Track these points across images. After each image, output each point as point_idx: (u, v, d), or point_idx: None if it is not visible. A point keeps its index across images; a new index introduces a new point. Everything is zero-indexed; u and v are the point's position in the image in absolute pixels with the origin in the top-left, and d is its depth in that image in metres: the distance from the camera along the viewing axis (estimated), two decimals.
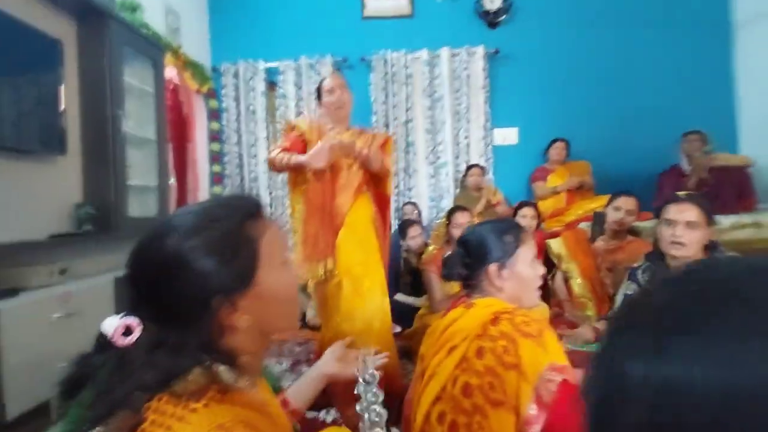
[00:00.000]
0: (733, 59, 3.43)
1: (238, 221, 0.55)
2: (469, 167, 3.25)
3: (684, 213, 1.36)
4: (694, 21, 3.44)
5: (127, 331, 0.50)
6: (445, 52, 3.48)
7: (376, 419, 0.74)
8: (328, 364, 0.83)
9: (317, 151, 1.58)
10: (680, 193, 1.49)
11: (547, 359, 0.72)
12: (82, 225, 1.92)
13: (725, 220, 2.30)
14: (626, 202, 2.02)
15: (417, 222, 2.87)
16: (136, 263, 0.54)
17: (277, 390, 1.22)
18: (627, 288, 1.62)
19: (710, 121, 3.11)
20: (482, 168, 3.22)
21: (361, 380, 0.77)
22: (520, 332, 0.76)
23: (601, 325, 1.64)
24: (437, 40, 3.51)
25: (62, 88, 1.91)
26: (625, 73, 3.49)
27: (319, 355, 1.15)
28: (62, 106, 1.90)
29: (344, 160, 1.68)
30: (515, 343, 0.75)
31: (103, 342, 0.51)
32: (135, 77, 2.35)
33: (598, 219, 2.04)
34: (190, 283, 0.51)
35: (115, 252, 2.06)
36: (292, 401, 0.79)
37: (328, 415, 1.62)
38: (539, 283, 0.91)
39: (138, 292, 0.53)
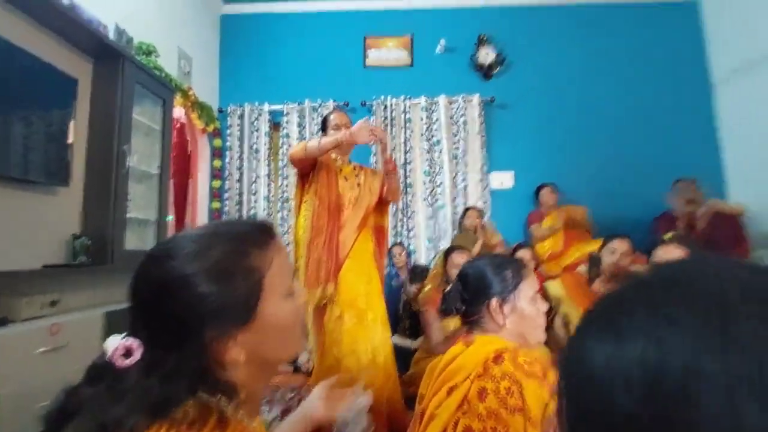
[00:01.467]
0: (716, 112, 3.61)
1: (240, 251, 0.53)
2: (467, 209, 3.29)
3: (669, 254, 1.41)
4: (676, 78, 3.66)
5: (127, 353, 0.48)
6: (442, 99, 3.64)
7: None
8: (315, 406, 0.76)
9: (359, 127, 1.61)
10: (665, 236, 1.53)
11: (553, 403, 0.69)
12: (78, 256, 1.90)
13: None
14: (621, 245, 2.03)
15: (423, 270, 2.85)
16: (137, 282, 0.52)
17: None
18: None
19: (698, 169, 3.21)
20: (479, 210, 3.26)
21: (345, 420, 0.72)
22: (524, 372, 0.74)
23: None
24: (435, 88, 3.69)
25: (72, 123, 1.96)
26: (615, 123, 3.65)
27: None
28: (70, 140, 1.95)
29: (349, 194, 1.70)
30: (519, 385, 0.72)
31: (94, 374, 0.49)
32: (144, 115, 2.43)
33: (594, 262, 2.03)
34: (181, 309, 0.48)
35: (108, 285, 2.02)
36: None
37: None
38: (543, 320, 0.89)
39: (136, 314, 0.51)
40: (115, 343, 0.49)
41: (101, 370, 0.49)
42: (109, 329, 1.81)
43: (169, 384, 0.46)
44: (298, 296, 0.57)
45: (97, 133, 2.16)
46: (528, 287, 0.89)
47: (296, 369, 2.64)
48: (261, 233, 0.55)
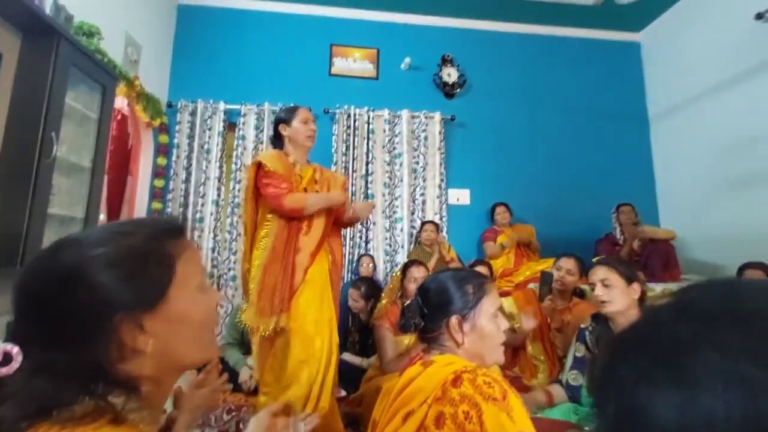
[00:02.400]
0: (651, 144, 3.95)
1: (153, 236, 0.50)
2: (424, 223, 3.29)
3: (596, 274, 1.52)
4: (618, 110, 3.98)
5: (5, 360, 0.44)
6: (405, 114, 3.66)
7: None
8: None
9: (367, 210, 1.71)
10: (594, 259, 1.64)
11: (514, 427, 0.65)
12: None
13: (656, 287, 2.47)
14: (566, 263, 2.12)
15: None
16: (28, 277, 0.47)
17: None
18: (576, 350, 1.63)
19: (635, 197, 3.48)
20: (436, 224, 3.28)
21: None
22: (483, 395, 0.69)
23: (554, 389, 1.60)
24: (399, 102, 3.71)
25: None
26: (563, 150, 3.87)
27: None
28: None
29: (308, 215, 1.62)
30: (478, 408, 0.67)
31: None
32: (79, 101, 2.18)
33: (545, 279, 2.09)
34: (88, 296, 0.45)
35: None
36: None
37: None
38: (502, 339, 0.86)
39: (25, 311, 0.46)
40: None
41: None
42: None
43: (60, 382, 0.43)
44: (211, 296, 0.55)
45: (19, 115, 1.89)
46: (489, 304, 0.85)
47: (236, 388, 2.44)
48: (173, 226, 0.54)
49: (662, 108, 3.82)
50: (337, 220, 1.70)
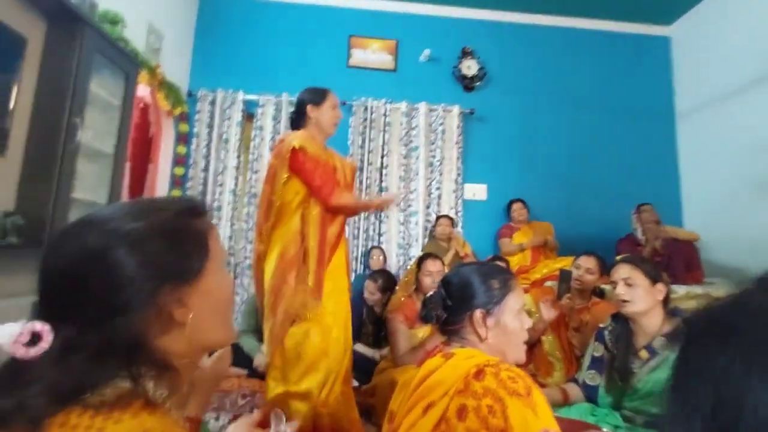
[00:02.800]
0: (677, 143, 3.82)
1: (182, 213, 0.50)
2: (439, 217, 3.26)
3: (619, 272, 1.47)
4: (645, 107, 3.85)
5: (33, 340, 0.41)
6: (423, 107, 3.62)
7: None
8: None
9: (389, 199, 1.70)
10: (617, 258, 1.59)
11: (539, 423, 0.63)
12: (7, 236, 1.67)
13: (679, 290, 2.40)
14: (586, 261, 2.07)
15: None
16: (57, 255, 0.45)
17: None
18: (594, 349, 1.59)
19: (658, 197, 3.38)
20: (451, 219, 3.25)
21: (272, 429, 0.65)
22: (507, 390, 0.68)
23: (570, 388, 1.57)
24: (417, 94, 3.67)
25: (16, 86, 1.75)
26: (584, 147, 3.78)
27: (267, 409, 1.00)
28: (11, 105, 1.73)
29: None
30: (502, 403, 0.66)
31: None
32: (103, 88, 2.21)
33: (564, 277, 2.05)
34: (133, 269, 0.44)
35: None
36: None
37: None
38: (525, 337, 0.84)
39: (56, 290, 0.45)
40: (13, 330, 0.41)
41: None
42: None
43: (96, 361, 0.42)
44: (230, 276, 0.54)
45: (45, 100, 1.93)
46: (514, 300, 0.83)
47: (251, 374, 2.48)
48: (198, 205, 0.54)
49: (690, 105, 3.69)
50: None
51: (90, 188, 2.18)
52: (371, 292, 2.64)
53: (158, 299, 0.46)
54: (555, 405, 1.54)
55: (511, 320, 0.82)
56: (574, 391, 1.55)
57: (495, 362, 0.74)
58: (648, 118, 3.83)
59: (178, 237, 0.49)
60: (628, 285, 1.43)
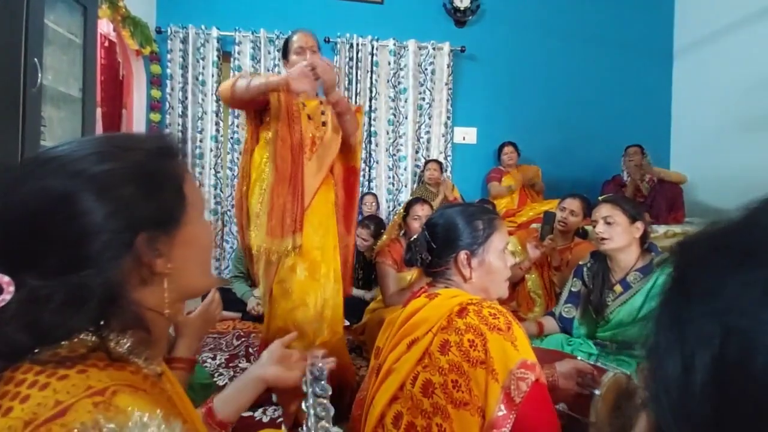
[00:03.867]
0: (672, 82, 3.73)
1: (155, 154, 0.45)
2: (427, 162, 3.23)
3: (600, 211, 1.51)
4: (642, 44, 3.70)
5: None
6: (412, 44, 3.42)
7: (323, 413, 0.64)
8: (267, 368, 0.70)
9: (299, 74, 1.38)
10: (600, 197, 1.62)
11: (518, 356, 0.67)
12: None
13: (659, 229, 2.48)
14: (571, 203, 2.10)
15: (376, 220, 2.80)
16: (18, 197, 0.41)
17: (210, 388, 1.07)
18: (572, 285, 1.67)
19: (648, 137, 3.36)
20: (440, 163, 3.22)
21: (308, 374, 0.67)
22: (488, 325, 0.70)
23: (545, 321, 1.67)
24: (405, 31, 3.44)
25: None
26: (578, 86, 3.67)
27: (262, 349, 1.02)
28: None
29: (313, 135, 1.52)
30: (483, 338, 0.69)
31: None
32: (60, 24, 2.02)
33: (547, 218, 2.09)
34: (103, 217, 0.41)
35: None
36: (218, 411, 0.65)
37: (264, 415, 1.49)
38: (508, 275, 0.86)
39: (14, 237, 0.41)
40: None
41: None
42: None
43: (60, 316, 0.39)
44: (209, 222, 0.53)
45: None
46: (498, 240, 0.84)
47: (244, 317, 2.57)
48: (170, 145, 0.49)
49: (689, 41, 3.55)
50: (345, 142, 1.60)
51: (60, 136, 2.07)
52: (364, 238, 2.67)
53: (134, 249, 0.43)
54: (531, 336, 1.64)
55: (495, 259, 0.83)
56: (549, 323, 1.65)
57: (477, 300, 0.77)
58: (645, 56, 3.70)
59: (152, 181, 0.44)
60: (608, 223, 1.47)
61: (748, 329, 0.18)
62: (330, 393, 0.65)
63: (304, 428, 0.59)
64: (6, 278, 0.38)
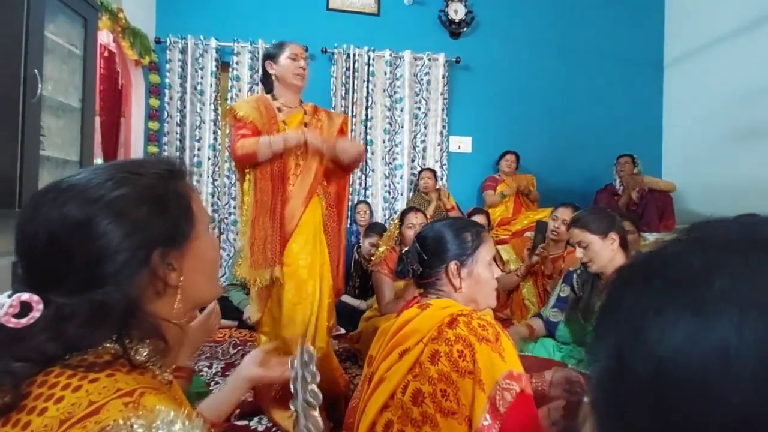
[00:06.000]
0: (662, 93, 3.80)
1: (163, 177, 0.50)
2: (422, 170, 3.27)
3: (572, 237, 1.49)
4: (633, 56, 3.77)
5: (23, 311, 0.42)
6: (408, 55, 3.47)
7: (312, 401, 0.66)
8: (250, 368, 0.75)
9: (351, 148, 1.50)
10: (569, 221, 1.63)
11: (504, 367, 0.69)
12: None
13: (650, 237, 2.51)
14: (563, 212, 2.13)
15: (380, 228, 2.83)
16: (40, 223, 0.44)
17: (207, 396, 1.08)
18: (561, 290, 1.70)
19: (640, 147, 3.42)
20: (434, 171, 3.25)
21: (297, 360, 0.68)
22: (477, 336, 0.73)
23: (534, 323, 1.69)
24: (401, 42, 3.50)
25: None
26: (570, 97, 3.73)
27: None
28: None
29: (295, 161, 1.53)
30: (472, 348, 0.71)
31: None
32: (60, 35, 2.05)
33: (540, 228, 2.11)
34: (120, 239, 0.45)
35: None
36: (205, 415, 0.69)
37: (260, 424, 1.50)
38: (495, 285, 0.89)
39: (39, 260, 0.45)
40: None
41: None
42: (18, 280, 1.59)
43: (93, 327, 0.43)
44: (214, 236, 0.55)
45: None
46: (486, 252, 0.87)
47: (241, 325, 2.57)
48: (177, 167, 0.53)
49: (679, 53, 3.62)
50: (339, 163, 1.63)
51: (60, 145, 2.09)
52: (375, 245, 2.67)
53: (150, 265, 0.47)
54: (523, 339, 1.66)
55: (483, 270, 0.86)
56: (538, 324, 1.68)
57: (468, 312, 0.79)
58: (637, 67, 3.77)
59: (163, 202, 0.48)
60: (583, 247, 1.46)
61: (637, 337, 0.22)
62: (318, 379, 0.67)
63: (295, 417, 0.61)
64: (35, 297, 0.42)
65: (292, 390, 0.65)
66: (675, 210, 3.09)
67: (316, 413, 0.59)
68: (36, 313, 0.41)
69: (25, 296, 0.41)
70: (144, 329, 0.46)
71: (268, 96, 1.61)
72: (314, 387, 0.63)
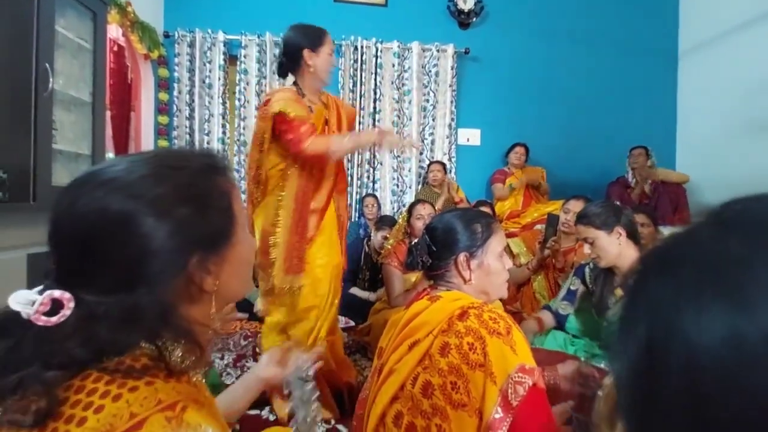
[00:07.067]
0: (677, 83, 3.70)
1: (205, 171, 0.47)
2: (431, 163, 3.24)
3: (579, 233, 1.48)
4: (647, 46, 3.67)
5: (53, 308, 0.39)
6: (416, 46, 3.43)
7: (314, 415, 0.66)
8: (266, 368, 0.74)
9: (383, 134, 1.42)
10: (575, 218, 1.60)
11: (517, 360, 0.68)
12: None
13: (664, 230, 2.46)
14: (575, 205, 2.09)
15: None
16: (77, 216, 0.42)
17: (220, 388, 1.09)
18: (571, 283, 1.68)
19: (653, 138, 3.34)
20: (443, 164, 3.23)
21: (295, 378, 0.70)
22: (488, 329, 0.72)
23: (543, 315, 1.67)
24: (409, 33, 3.46)
25: None
26: (582, 88, 3.65)
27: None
28: None
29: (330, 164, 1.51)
30: (483, 341, 0.70)
31: (4, 325, 0.40)
32: (70, 30, 2.06)
33: (551, 221, 2.08)
34: (163, 240, 0.42)
35: (30, 224, 1.79)
36: (222, 411, 0.68)
37: (271, 414, 1.52)
38: (506, 277, 0.87)
39: (73, 255, 0.42)
40: (29, 297, 0.39)
41: (8, 324, 0.40)
42: (33, 272, 1.62)
43: (126, 330, 0.41)
44: (251, 235, 0.54)
45: (9, 45, 1.79)
46: (497, 243, 0.85)
47: (252, 316, 2.59)
48: (218, 161, 0.50)
49: (694, 42, 3.52)
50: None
51: (72, 139, 2.11)
52: (387, 238, 2.67)
53: (187, 270, 0.44)
54: (533, 333, 1.65)
55: (494, 261, 0.85)
56: (547, 317, 1.66)
57: (478, 305, 0.78)
58: (650, 57, 3.68)
59: (205, 201, 0.46)
60: (590, 243, 1.44)
61: (667, 327, 0.21)
62: (317, 395, 0.67)
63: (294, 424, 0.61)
64: (67, 295, 0.40)
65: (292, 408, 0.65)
66: (689, 203, 3.02)
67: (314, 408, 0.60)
68: (67, 312, 0.40)
69: (56, 293, 0.40)
70: (178, 334, 0.43)
71: (295, 90, 1.49)
72: (314, 405, 0.63)
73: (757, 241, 0.21)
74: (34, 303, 0.39)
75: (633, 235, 1.45)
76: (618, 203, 1.85)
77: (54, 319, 0.39)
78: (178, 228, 0.43)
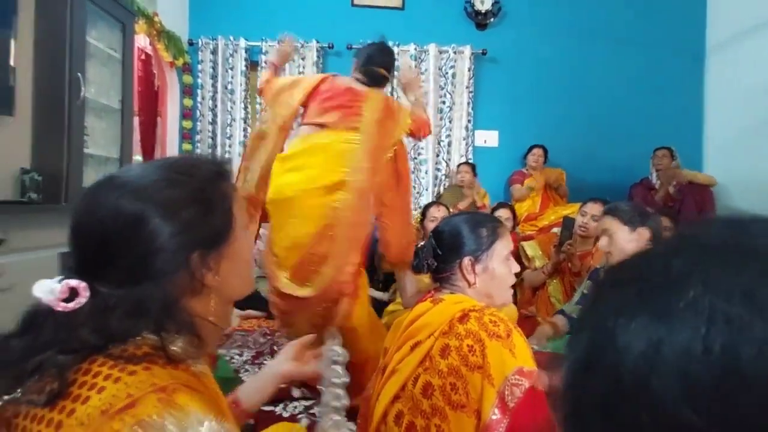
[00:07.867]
0: (704, 81, 3.56)
1: (209, 179, 0.53)
2: (460, 164, 3.23)
3: (601, 224, 1.48)
4: (672, 43, 3.55)
5: (71, 296, 0.44)
6: (432, 48, 3.44)
7: (338, 404, 0.68)
8: (284, 363, 0.75)
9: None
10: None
11: (515, 363, 0.68)
12: (27, 193, 1.75)
13: None
14: (592, 208, 2.04)
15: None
16: (94, 216, 0.48)
17: (235, 382, 1.13)
18: (585, 287, 1.65)
19: (679, 138, 3.23)
20: (473, 166, 3.20)
21: (328, 360, 0.71)
22: (488, 332, 0.72)
23: (557, 319, 1.65)
24: (426, 35, 3.47)
25: (14, 43, 1.73)
26: (604, 87, 3.56)
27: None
28: (12, 62, 1.72)
29: None
30: (482, 344, 0.71)
31: (28, 322, 0.45)
32: (101, 41, 2.18)
33: (567, 224, 2.04)
34: (168, 237, 0.47)
35: (62, 225, 1.89)
36: (243, 402, 0.71)
37: (285, 410, 1.56)
38: (512, 281, 0.88)
39: (90, 249, 0.48)
40: (51, 286, 0.44)
41: (36, 318, 0.46)
42: (64, 270, 1.71)
43: (132, 320, 0.45)
44: (250, 234, 0.58)
45: (44, 56, 1.91)
46: (502, 247, 0.86)
47: (270, 315, 2.66)
48: (223, 169, 0.56)
49: (723, 38, 3.38)
50: None
51: (102, 145, 2.22)
52: None
53: (189, 266, 0.49)
54: (550, 338, 1.63)
55: (499, 266, 0.85)
56: (561, 321, 1.64)
57: (480, 308, 0.79)
58: (676, 54, 3.55)
59: (210, 204, 0.51)
60: (608, 236, 1.41)
61: (605, 344, 0.22)
62: (347, 381, 0.69)
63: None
64: (83, 284, 0.45)
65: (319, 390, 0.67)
66: (717, 207, 2.90)
67: (340, 417, 0.61)
68: (82, 299, 0.44)
69: (73, 282, 0.44)
70: (180, 325, 0.47)
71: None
72: (340, 391, 0.65)
73: (699, 261, 0.22)
74: (54, 291, 0.44)
75: (656, 242, 1.42)
76: (650, 210, 1.82)
77: (71, 305, 0.44)
78: (182, 228, 0.48)
